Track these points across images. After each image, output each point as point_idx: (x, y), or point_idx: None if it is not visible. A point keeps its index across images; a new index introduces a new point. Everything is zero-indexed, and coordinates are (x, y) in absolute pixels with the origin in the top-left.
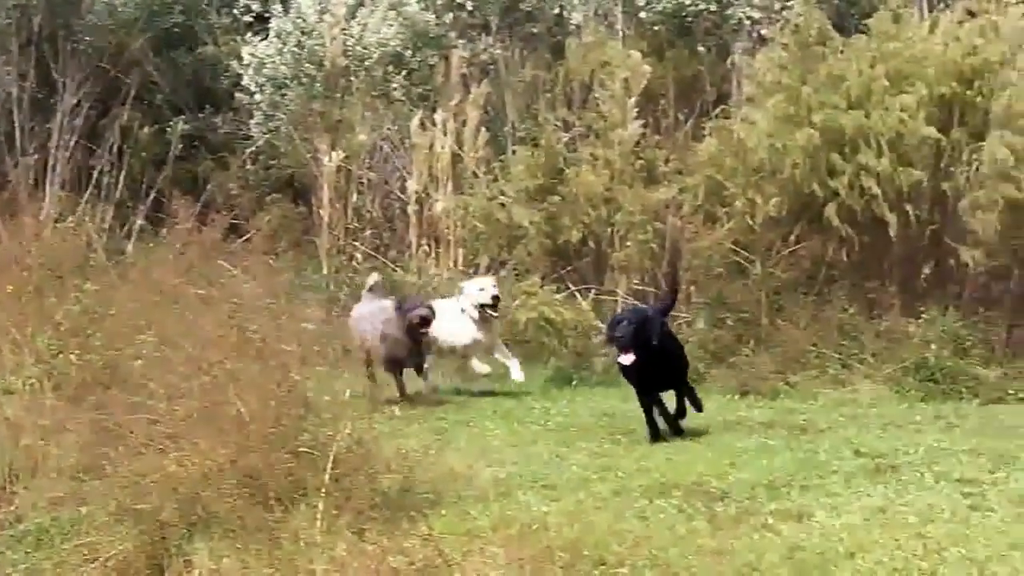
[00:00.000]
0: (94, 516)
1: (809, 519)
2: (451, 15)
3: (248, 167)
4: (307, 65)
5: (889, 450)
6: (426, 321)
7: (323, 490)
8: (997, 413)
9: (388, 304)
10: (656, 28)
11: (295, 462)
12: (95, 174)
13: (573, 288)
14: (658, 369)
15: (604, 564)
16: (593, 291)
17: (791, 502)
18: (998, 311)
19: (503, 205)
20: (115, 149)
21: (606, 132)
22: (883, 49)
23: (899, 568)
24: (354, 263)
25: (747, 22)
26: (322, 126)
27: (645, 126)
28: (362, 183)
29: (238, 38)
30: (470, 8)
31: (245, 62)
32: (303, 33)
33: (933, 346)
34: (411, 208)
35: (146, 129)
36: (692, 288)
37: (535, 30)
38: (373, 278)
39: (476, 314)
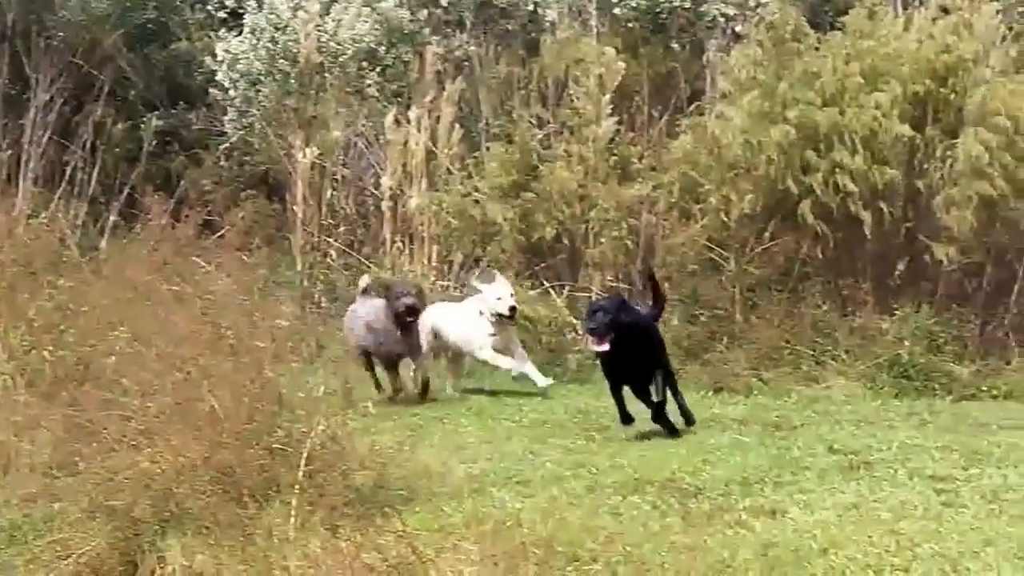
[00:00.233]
0: (67, 512)
1: (783, 515)
2: (425, 12)
3: (222, 163)
4: (281, 61)
5: (862, 447)
6: (413, 310)
7: (297, 486)
8: (970, 410)
9: (381, 303)
10: (630, 25)
11: (269, 458)
12: (68, 170)
13: (547, 285)
14: (632, 361)
15: (577, 560)
16: (567, 288)
17: (765, 498)
18: (971, 308)
19: (477, 202)
20: (88, 145)
21: (580, 129)
22: (858, 46)
23: (872, 564)
24: (328, 260)
25: (721, 19)
26: (296, 122)
27: (619, 123)
28: (336, 179)
29: (212, 34)
30: (444, 5)
31: (219, 58)
32: (277, 29)
33: (906, 343)
34: (385, 204)
35: (119, 125)
36: (667, 285)
37: (509, 27)
38: (365, 280)
39: (493, 318)
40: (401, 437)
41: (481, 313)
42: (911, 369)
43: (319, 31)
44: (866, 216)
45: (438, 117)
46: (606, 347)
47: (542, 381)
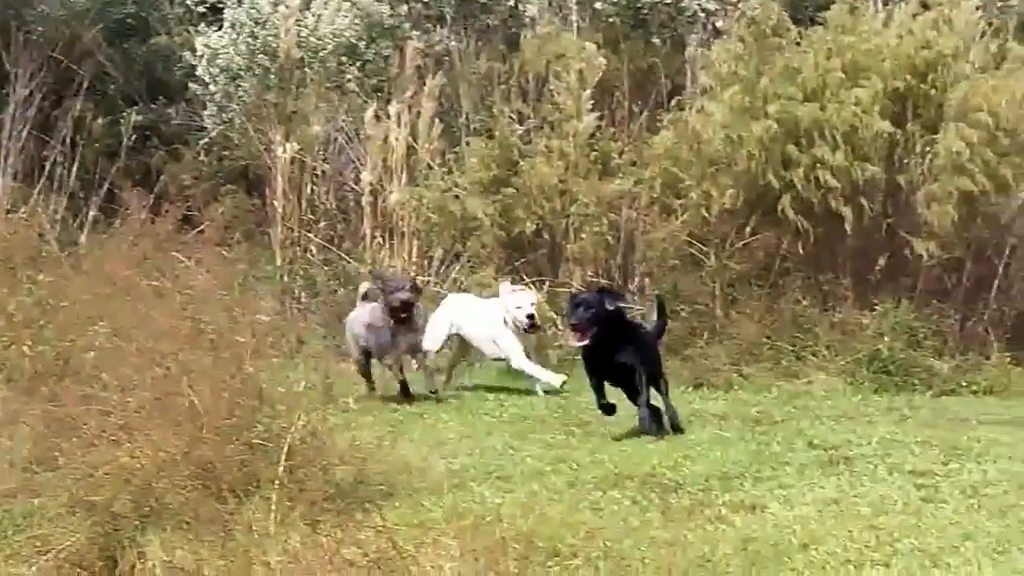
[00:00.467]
0: (47, 508)
1: (763, 511)
2: (405, 6)
3: (201, 158)
4: (261, 56)
5: (842, 442)
6: (407, 305)
7: (277, 482)
8: (950, 405)
9: (379, 307)
10: (611, 20)
11: (249, 454)
12: (48, 165)
13: (528, 280)
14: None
15: (558, 555)
16: (548, 283)
17: (745, 493)
18: (951, 303)
19: (457, 197)
20: (68, 140)
21: (561, 124)
22: (839, 42)
23: (852, 559)
24: (308, 255)
25: (702, 14)
26: (276, 117)
27: (600, 118)
28: (316, 175)
29: (191, 29)
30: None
31: (199, 53)
32: (257, 24)
33: (886, 338)
34: (365, 200)
35: (99, 120)
36: (647, 280)
37: (490, 22)
38: (365, 286)
39: (515, 327)
40: (381, 432)
41: (505, 322)
42: (891, 364)
43: (299, 26)
44: (846, 211)
45: (418, 112)
46: (587, 342)
47: (557, 381)
